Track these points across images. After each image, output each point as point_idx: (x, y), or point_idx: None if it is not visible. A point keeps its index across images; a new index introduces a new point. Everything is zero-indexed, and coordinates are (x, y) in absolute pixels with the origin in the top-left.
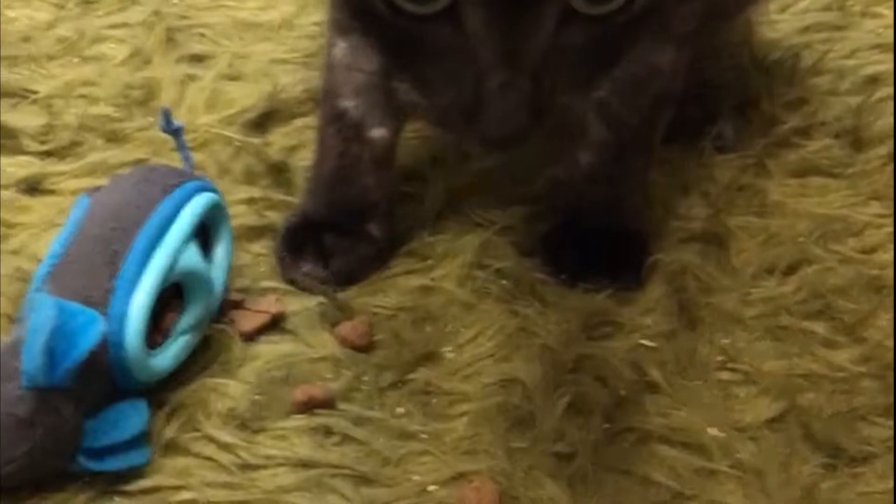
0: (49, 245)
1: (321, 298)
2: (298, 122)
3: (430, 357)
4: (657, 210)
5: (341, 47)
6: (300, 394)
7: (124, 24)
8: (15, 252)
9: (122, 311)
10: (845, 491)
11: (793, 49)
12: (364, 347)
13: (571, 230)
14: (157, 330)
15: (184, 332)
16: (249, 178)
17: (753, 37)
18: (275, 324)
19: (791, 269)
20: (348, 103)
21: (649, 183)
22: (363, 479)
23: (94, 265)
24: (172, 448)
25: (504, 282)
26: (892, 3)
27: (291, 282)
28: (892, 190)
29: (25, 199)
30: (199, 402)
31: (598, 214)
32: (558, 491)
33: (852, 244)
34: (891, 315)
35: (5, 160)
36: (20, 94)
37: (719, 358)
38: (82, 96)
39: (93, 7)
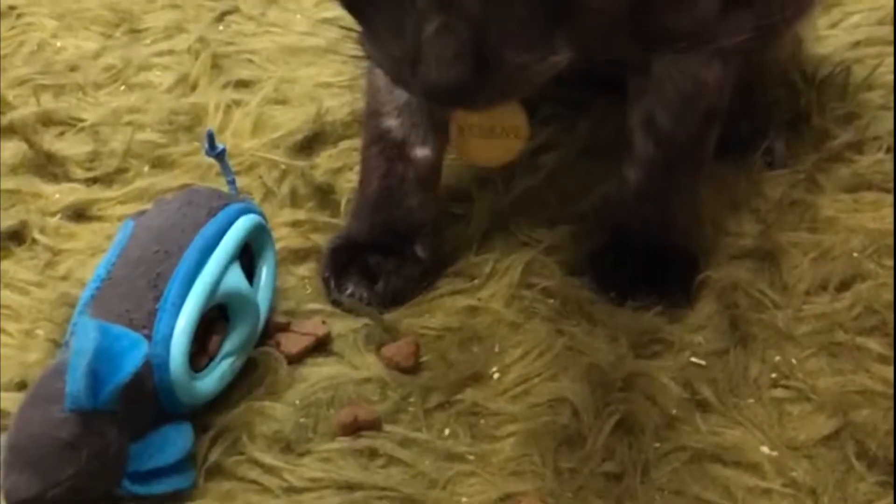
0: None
1: (366, 320)
2: (344, 144)
3: (476, 377)
4: (707, 227)
5: None
6: (345, 416)
7: (170, 52)
8: (63, 278)
9: (166, 333)
10: None
11: (844, 64)
12: (410, 369)
13: (620, 248)
14: (201, 352)
15: (229, 355)
16: (295, 201)
17: (803, 52)
18: (320, 346)
19: (844, 285)
20: (391, 122)
21: (699, 199)
22: (409, 502)
23: (137, 288)
24: (217, 471)
25: (551, 301)
26: None
27: (336, 303)
28: None
29: (72, 226)
30: (244, 425)
31: (646, 231)
32: None
33: None
34: None
35: (52, 188)
36: (67, 123)
37: (772, 375)
38: (128, 123)
39: (140, 35)
